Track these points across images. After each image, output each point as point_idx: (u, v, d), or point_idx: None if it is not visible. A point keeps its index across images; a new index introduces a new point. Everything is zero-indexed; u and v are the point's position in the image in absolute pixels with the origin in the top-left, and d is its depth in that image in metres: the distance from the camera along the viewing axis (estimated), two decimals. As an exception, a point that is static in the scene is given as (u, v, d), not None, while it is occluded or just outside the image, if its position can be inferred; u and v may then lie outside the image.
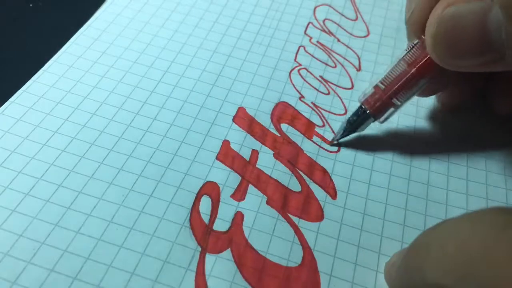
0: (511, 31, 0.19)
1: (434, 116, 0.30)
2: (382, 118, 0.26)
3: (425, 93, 0.28)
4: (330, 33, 0.35)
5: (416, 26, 0.24)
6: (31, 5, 0.36)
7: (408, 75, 0.24)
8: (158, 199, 0.25)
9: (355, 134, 0.27)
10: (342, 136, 0.27)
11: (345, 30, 0.35)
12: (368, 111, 0.26)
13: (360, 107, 0.26)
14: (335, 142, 0.28)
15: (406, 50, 0.25)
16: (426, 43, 0.22)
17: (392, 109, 0.26)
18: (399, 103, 0.25)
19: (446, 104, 0.30)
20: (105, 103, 0.29)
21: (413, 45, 0.24)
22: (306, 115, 0.29)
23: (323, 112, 0.29)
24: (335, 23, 0.36)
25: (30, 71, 0.30)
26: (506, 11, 0.19)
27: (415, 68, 0.24)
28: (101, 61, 0.31)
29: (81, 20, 0.34)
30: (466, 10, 0.20)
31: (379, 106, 0.25)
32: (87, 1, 0.36)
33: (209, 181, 0.26)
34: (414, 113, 0.30)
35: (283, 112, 0.29)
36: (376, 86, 0.26)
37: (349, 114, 0.28)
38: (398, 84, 0.25)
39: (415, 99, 0.28)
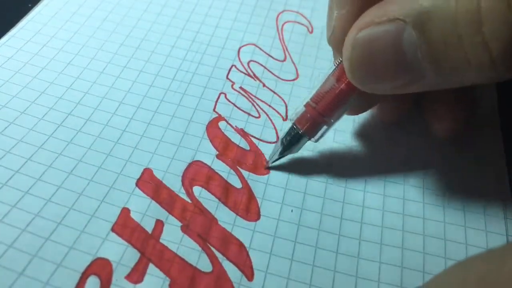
0: (426, 49, 0.18)
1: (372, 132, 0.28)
2: (316, 137, 0.25)
3: (355, 111, 0.27)
4: (255, 77, 0.31)
5: (340, 45, 0.22)
6: (30, 5, 0.35)
7: (338, 91, 0.23)
8: (31, 279, 0.20)
9: (290, 156, 0.26)
10: (278, 158, 0.26)
11: (271, 72, 0.31)
12: (301, 131, 0.25)
13: (292, 127, 0.25)
14: (270, 165, 0.26)
15: (335, 65, 0.23)
16: (344, 67, 0.21)
17: (325, 127, 0.25)
18: (331, 120, 0.24)
19: (384, 118, 0.29)
20: None
21: (340, 61, 0.22)
22: (224, 175, 0.25)
23: (243, 172, 0.26)
24: (261, 65, 0.32)
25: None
26: (419, 30, 0.18)
27: (344, 84, 0.23)
28: None
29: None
30: (380, 33, 0.19)
31: (311, 124, 0.24)
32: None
33: (100, 258, 0.21)
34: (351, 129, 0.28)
35: (197, 173, 0.25)
36: (307, 104, 0.24)
37: (273, 172, 0.26)
38: (329, 101, 0.23)
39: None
